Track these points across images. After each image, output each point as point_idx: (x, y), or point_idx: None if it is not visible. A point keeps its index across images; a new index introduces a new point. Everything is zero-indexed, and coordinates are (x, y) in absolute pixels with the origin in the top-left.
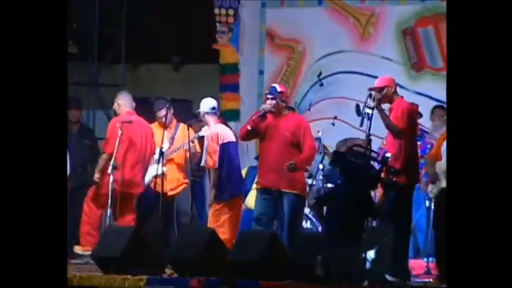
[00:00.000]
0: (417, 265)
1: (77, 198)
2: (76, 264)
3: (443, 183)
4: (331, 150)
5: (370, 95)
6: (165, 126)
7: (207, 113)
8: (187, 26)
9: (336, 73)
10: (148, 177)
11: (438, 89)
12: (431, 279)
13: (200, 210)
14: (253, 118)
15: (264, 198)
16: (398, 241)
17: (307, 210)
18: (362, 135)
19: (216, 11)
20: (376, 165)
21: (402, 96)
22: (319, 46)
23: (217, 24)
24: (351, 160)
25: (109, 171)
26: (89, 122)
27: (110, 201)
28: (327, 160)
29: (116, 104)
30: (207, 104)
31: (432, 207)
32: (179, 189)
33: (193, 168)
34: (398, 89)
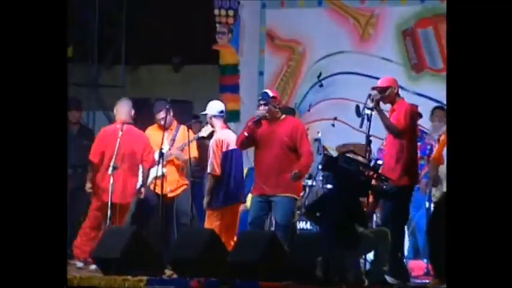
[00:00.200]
0: (417, 266)
1: (77, 198)
2: (76, 264)
3: (443, 188)
4: (330, 151)
5: (369, 96)
6: (164, 128)
7: (215, 116)
8: (187, 26)
9: (335, 74)
10: (148, 179)
11: (438, 90)
12: (431, 280)
13: (200, 211)
14: (249, 124)
15: (258, 202)
16: (395, 242)
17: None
18: (362, 136)
19: (216, 11)
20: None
21: (403, 98)
22: (319, 47)
23: (217, 25)
24: (342, 166)
25: (109, 171)
26: (89, 122)
27: (109, 202)
28: None
29: (115, 110)
30: (215, 107)
31: (432, 208)
32: (179, 191)
33: (193, 169)
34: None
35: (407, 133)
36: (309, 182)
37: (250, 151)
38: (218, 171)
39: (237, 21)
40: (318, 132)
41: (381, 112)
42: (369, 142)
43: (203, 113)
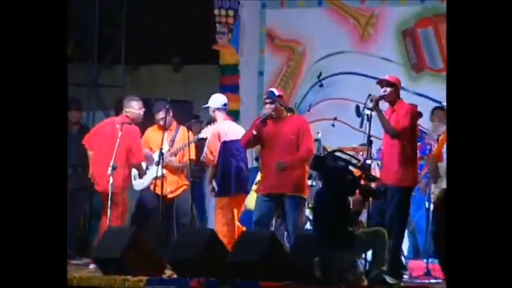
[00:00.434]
0: (417, 266)
1: (77, 198)
2: (76, 265)
3: (443, 185)
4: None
5: (369, 96)
6: (164, 128)
7: (218, 109)
8: (187, 26)
9: (335, 74)
10: (148, 180)
11: (438, 90)
12: (431, 280)
13: (200, 211)
14: (256, 123)
15: (264, 202)
16: (395, 242)
17: (307, 211)
18: (362, 136)
19: (216, 11)
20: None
21: (402, 99)
22: (319, 47)
23: (217, 25)
24: (329, 165)
25: (108, 171)
26: (89, 122)
27: (109, 202)
28: None
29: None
30: (218, 100)
31: (431, 208)
32: (179, 191)
33: (193, 169)
34: None
35: (405, 134)
36: (309, 182)
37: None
38: (211, 160)
39: (237, 21)
40: (318, 133)
41: (379, 112)
42: (369, 142)
43: (206, 105)
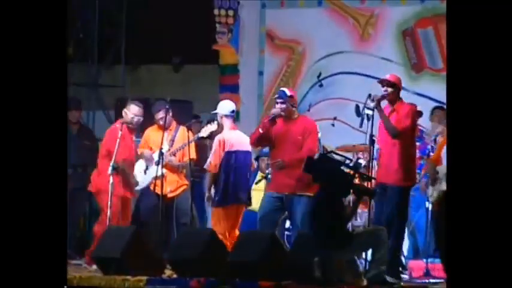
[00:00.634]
0: (417, 266)
1: (77, 198)
2: (76, 265)
3: (443, 186)
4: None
5: (369, 96)
6: (164, 128)
7: (226, 115)
8: (187, 26)
9: (335, 74)
10: (148, 179)
11: (438, 90)
12: (431, 280)
13: (200, 211)
14: (264, 121)
15: (270, 199)
16: (394, 242)
17: None
18: (361, 136)
19: (216, 11)
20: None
21: (402, 99)
22: (319, 47)
23: (217, 25)
24: (321, 166)
25: (109, 171)
26: (89, 122)
27: (109, 202)
28: None
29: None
30: (227, 107)
31: (430, 209)
32: (179, 191)
33: (193, 169)
34: None
35: (406, 134)
36: None
37: None
38: (214, 169)
39: (236, 21)
40: (318, 132)
41: (381, 112)
42: (372, 142)
43: (214, 111)
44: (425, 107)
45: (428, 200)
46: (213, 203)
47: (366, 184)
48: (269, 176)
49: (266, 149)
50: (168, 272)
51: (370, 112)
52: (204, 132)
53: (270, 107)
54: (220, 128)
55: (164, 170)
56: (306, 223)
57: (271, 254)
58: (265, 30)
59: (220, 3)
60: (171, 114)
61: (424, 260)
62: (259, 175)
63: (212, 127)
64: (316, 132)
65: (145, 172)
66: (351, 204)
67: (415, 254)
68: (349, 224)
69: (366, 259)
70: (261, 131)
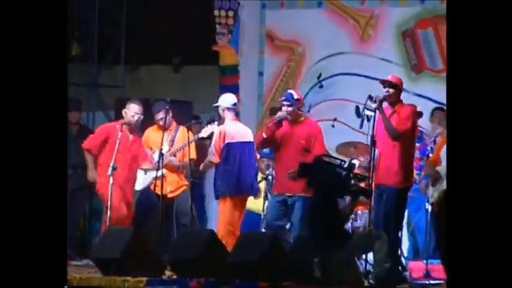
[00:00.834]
0: (416, 267)
1: (77, 199)
2: (76, 265)
3: (443, 186)
4: (331, 152)
5: (369, 97)
6: (164, 129)
7: (228, 108)
8: (187, 27)
9: (335, 75)
10: (148, 179)
11: (438, 91)
12: (431, 281)
13: (200, 212)
14: (269, 125)
15: (276, 205)
16: (393, 242)
17: None
18: (361, 137)
19: (216, 12)
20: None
21: (402, 100)
22: (319, 48)
23: (217, 26)
24: (316, 170)
25: (109, 172)
26: (89, 123)
27: (109, 203)
28: None
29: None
30: (228, 99)
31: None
32: (179, 192)
33: (193, 170)
34: None
35: (406, 136)
36: None
37: None
38: (215, 159)
39: (236, 22)
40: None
41: (383, 113)
42: (373, 143)
43: (216, 105)
44: (425, 108)
45: (428, 201)
46: (217, 194)
47: (361, 184)
48: (269, 176)
49: (266, 150)
50: (168, 273)
51: (370, 113)
52: (204, 132)
53: (270, 108)
54: (222, 121)
55: (164, 171)
56: (304, 225)
57: (271, 254)
58: (265, 31)
59: (220, 4)
60: (171, 114)
61: (424, 261)
62: (260, 176)
63: (212, 127)
64: (322, 136)
65: (145, 172)
66: (348, 204)
67: (415, 255)
68: (349, 225)
69: (365, 260)
70: (264, 135)
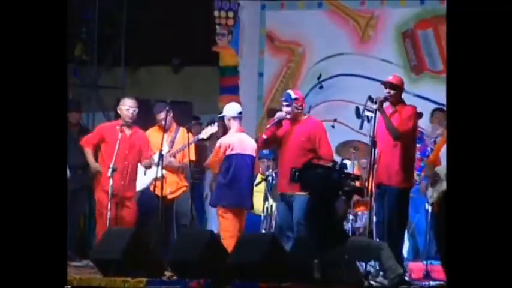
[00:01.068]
0: (416, 268)
1: (77, 199)
2: (76, 266)
3: (443, 187)
4: None
5: (369, 98)
6: (164, 129)
7: (234, 117)
8: (187, 28)
9: (335, 76)
10: (148, 180)
11: (438, 92)
12: (431, 282)
13: (200, 212)
14: (268, 127)
15: (282, 206)
16: (394, 244)
17: None
18: (361, 138)
19: (216, 13)
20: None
21: (404, 100)
22: (319, 48)
23: (217, 27)
24: (308, 175)
25: (108, 173)
26: (89, 124)
27: (109, 203)
28: None
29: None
30: (234, 108)
31: (430, 211)
32: (179, 193)
33: (193, 171)
34: None
35: (407, 136)
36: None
37: None
38: (215, 168)
39: (236, 22)
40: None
41: (384, 114)
42: (373, 144)
43: (221, 115)
44: (425, 108)
45: (428, 202)
46: (210, 203)
47: (354, 183)
48: (269, 177)
49: (266, 151)
50: (168, 274)
51: (370, 114)
52: (205, 133)
53: (268, 109)
54: (226, 129)
55: (164, 171)
56: (302, 227)
57: (271, 255)
58: (265, 32)
59: (221, 5)
60: (171, 115)
61: (424, 262)
62: (259, 177)
63: (212, 129)
64: (326, 135)
65: (145, 173)
66: (343, 204)
67: (415, 255)
68: (349, 226)
69: (365, 261)
70: (264, 137)
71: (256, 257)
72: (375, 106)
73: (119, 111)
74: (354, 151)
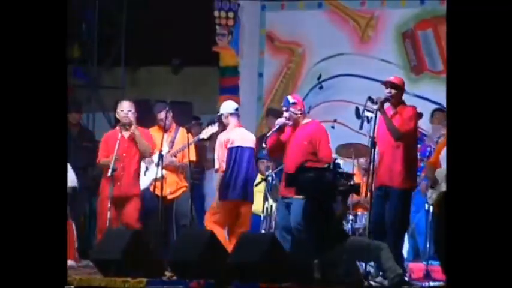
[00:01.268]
0: (417, 268)
1: (77, 200)
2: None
3: (442, 189)
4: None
5: (369, 98)
6: (164, 129)
7: (231, 114)
8: (187, 28)
9: (335, 76)
10: (148, 181)
11: (438, 92)
12: (431, 283)
13: (199, 213)
14: (268, 134)
15: (281, 207)
16: (395, 245)
17: None
18: (361, 138)
19: (216, 13)
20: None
21: (404, 101)
22: (319, 49)
23: (217, 27)
24: (302, 178)
25: (108, 173)
26: (89, 124)
27: (109, 204)
28: None
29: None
30: (230, 106)
31: (431, 211)
32: (179, 193)
33: (193, 171)
34: None
35: (410, 136)
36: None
37: None
38: (223, 167)
39: (236, 23)
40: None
41: (384, 114)
42: (373, 144)
43: (219, 114)
44: (425, 109)
45: (428, 202)
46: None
47: (348, 182)
48: (269, 178)
49: (265, 151)
50: (168, 274)
51: (370, 114)
52: (205, 134)
53: (267, 109)
54: (225, 126)
55: (164, 172)
56: (299, 231)
57: (271, 255)
58: (265, 32)
59: (221, 5)
60: (171, 115)
61: (424, 262)
62: (259, 177)
63: (213, 129)
64: (326, 138)
65: (145, 173)
66: (340, 204)
67: (415, 256)
68: (349, 226)
69: (366, 262)
70: (264, 145)
71: (256, 257)
72: (375, 106)
73: (117, 115)
74: (353, 151)
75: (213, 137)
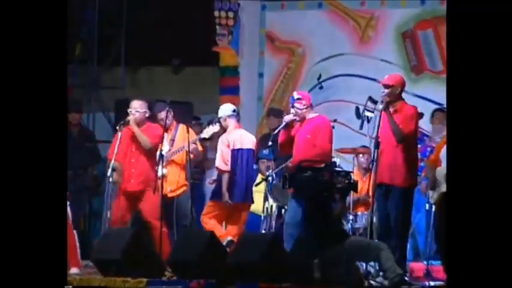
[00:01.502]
0: (417, 267)
1: (77, 200)
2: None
3: (443, 188)
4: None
5: (369, 98)
6: (165, 129)
7: (229, 116)
8: (187, 28)
9: (335, 76)
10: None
11: (438, 92)
12: (431, 282)
13: (200, 213)
14: (275, 132)
15: (290, 203)
16: (397, 245)
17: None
18: (361, 138)
19: (216, 13)
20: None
21: (404, 99)
22: (319, 49)
23: (217, 27)
24: (299, 179)
25: (108, 173)
26: (89, 124)
27: (108, 205)
28: None
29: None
30: (228, 108)
31: (432, 210)
32: (179, 192)
33: (193, 171)
34: None
35: (410, 137)
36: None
37: None
38: (226, 167)
39: (237, 23)
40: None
41: (390, 115)
42: (377, 144)
43: (218, 117)
44: (425, 109)
45: (428, 202)
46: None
47: (345, 180)
48: (269, 178)
49: (265, 151)
50: (168, 274)
51: (370, 114)
52: (206, 133)
53: (268, 109)
54: (224, 128)
55: (165, 170)
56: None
57: (271, 255)
58: (265, 32)
59: (221, 5)
60: (172, 114)
61: (425, 262)
62: (260, 177)
63: (214, 128)
64: (327, 130)
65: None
66: (339, 203)
67: (416, 255)
68: (349, 226)
69: (366, 262)
70: (270, 143)
71: (256, 257)
72: (379, 107)
73: (130, 116)
74: (353, 151)
75: (214, 137)
